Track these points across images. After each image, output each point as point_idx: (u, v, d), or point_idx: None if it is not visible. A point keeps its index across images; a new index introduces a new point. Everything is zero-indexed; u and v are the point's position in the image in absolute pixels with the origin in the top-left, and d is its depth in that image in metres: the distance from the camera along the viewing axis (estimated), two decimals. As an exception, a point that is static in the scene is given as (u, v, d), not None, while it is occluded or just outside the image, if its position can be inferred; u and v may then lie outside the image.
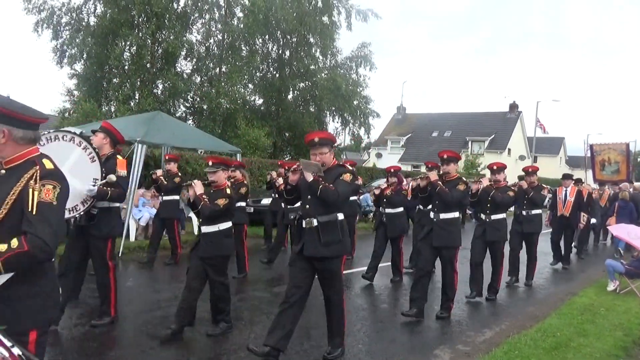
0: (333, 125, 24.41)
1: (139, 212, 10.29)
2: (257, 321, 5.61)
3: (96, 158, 4.85)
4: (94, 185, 4.74)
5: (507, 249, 7.66)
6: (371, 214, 15.23)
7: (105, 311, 5.13)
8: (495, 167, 7.20)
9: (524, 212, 8.21)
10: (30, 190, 2.14)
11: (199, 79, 20.90)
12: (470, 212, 16.17)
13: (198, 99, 20.22)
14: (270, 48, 22.52)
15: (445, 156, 5.95)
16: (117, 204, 5.13)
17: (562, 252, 10.33)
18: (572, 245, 10.47)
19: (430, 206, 6.20)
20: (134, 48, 18.21)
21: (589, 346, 5.07)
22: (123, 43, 18.11)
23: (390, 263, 8.08)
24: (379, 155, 40.05)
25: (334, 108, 22.00)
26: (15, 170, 2.23)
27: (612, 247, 13.38)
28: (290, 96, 22.49)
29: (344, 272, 8.56)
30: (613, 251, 12.33)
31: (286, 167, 7.34)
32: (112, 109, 18.36)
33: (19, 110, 2.23)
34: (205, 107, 19.48)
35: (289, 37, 21.81)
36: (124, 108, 17.11)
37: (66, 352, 4.43)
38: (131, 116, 13.76)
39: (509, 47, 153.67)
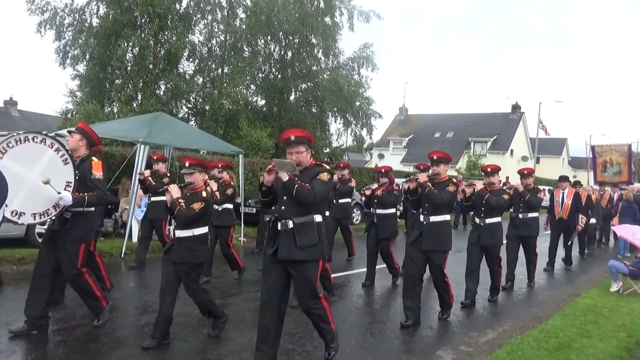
0: (335, 126, 24.50)
1: (141, 212, 10.28)
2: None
3: (69, 160, 4.66)
4: (68, 191, 4.55)
5: (504, 253, 7.42)
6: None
7: (97, 308, 5.03)
8: (489, 169, 6.97)
9: (520, 216, 7.99)
10: None
11: (201, 79, 20.90)
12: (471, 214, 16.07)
13: (200, 100, 20.21)
14: (272, 49, 22.51)
15: (435, 157, 5.74)
16: (92, 208, 4.89)
17: (564, 255, 10.30)
18: (569, 243, 10.20)
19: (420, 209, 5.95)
20: (137, 49, 18.20)
21: (592, 347, 5.06)
22: (125, 44, 18.12)
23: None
24: (381, 156, 40.03)
25: (336, 109, 21.96)
26: None
27: (615, 248, 13.37)
28: (292, 97, 22.48)
29: (343, 273, 8.65)
30: (616, 252, 12.36)
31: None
32: (115, 110, 18.35)
33: None
34: (207, 108, 19.47)
35: (291, 38, 21.79)
36: (126, 109, 17.12)
37: (69, 353, 4.42)
38: (134, 117, 13.77)
39: (511, 47, 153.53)
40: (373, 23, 43.43)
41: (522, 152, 41.13)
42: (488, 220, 6.74)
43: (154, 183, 8.04)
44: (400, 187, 8.72)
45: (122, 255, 9.03)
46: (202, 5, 19.77)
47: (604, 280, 8.51)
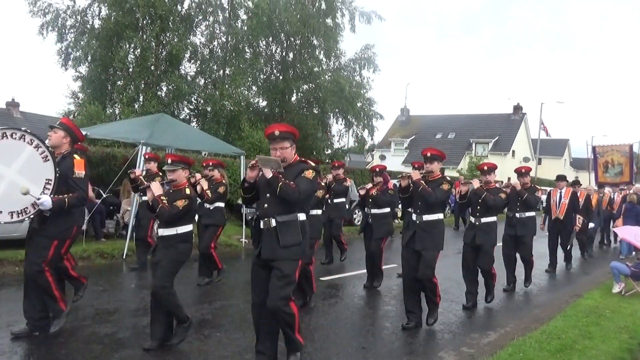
0: (336, 127, 24.37)
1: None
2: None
3: (49, 157, 4.48)
4: (47, 194, 4.39)
5: (499, 256, 7.33)
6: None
7: (55, 310, 4.80)
8: (486, 168, 6.82)
9: (517, 215, 7.85)
10: None
11: (202, 81, 20.93)
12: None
13: (202, 101, 20.24)
14: (273, 50, 22.54)
15: (428, 154, 5.61)
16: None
17: (564, 255, 10.26)
18: (568, 248, 10.11)
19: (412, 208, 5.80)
20: (138, 50, 18.25)
21: (594, 349, 5.05)
22: (127, 45, 18.17)
23: (393, 265, 8.05)
24: (382, 157, 39.99)
25: (337, 110, 21.98)
26: None
27: (616, 250, 13.35)
28: (293, 98, 22.50)
29: (338, 275, 8.61)
30: (618, 253, 12.34)
31: None
32: (117, 111, 18.39)
33: None
34: (209, 109, 19.49)
35: (292, 39, 21.81)
36: (128, 110, 17.15)
37: (70, 355, 4.43)
38: (135, 118, 13.79)
39: (513, 48, 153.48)
40: (374, 24, 43.37)
41: (523, 153, 41.09)
42: (484, 220, 6.63)
43: (145, 182, 8.00)
44: (397, 186, 8.71)
45: (124, 257, 9.03)
46: (203, 6, 19.80)
47: (606, 282, 8.48)
